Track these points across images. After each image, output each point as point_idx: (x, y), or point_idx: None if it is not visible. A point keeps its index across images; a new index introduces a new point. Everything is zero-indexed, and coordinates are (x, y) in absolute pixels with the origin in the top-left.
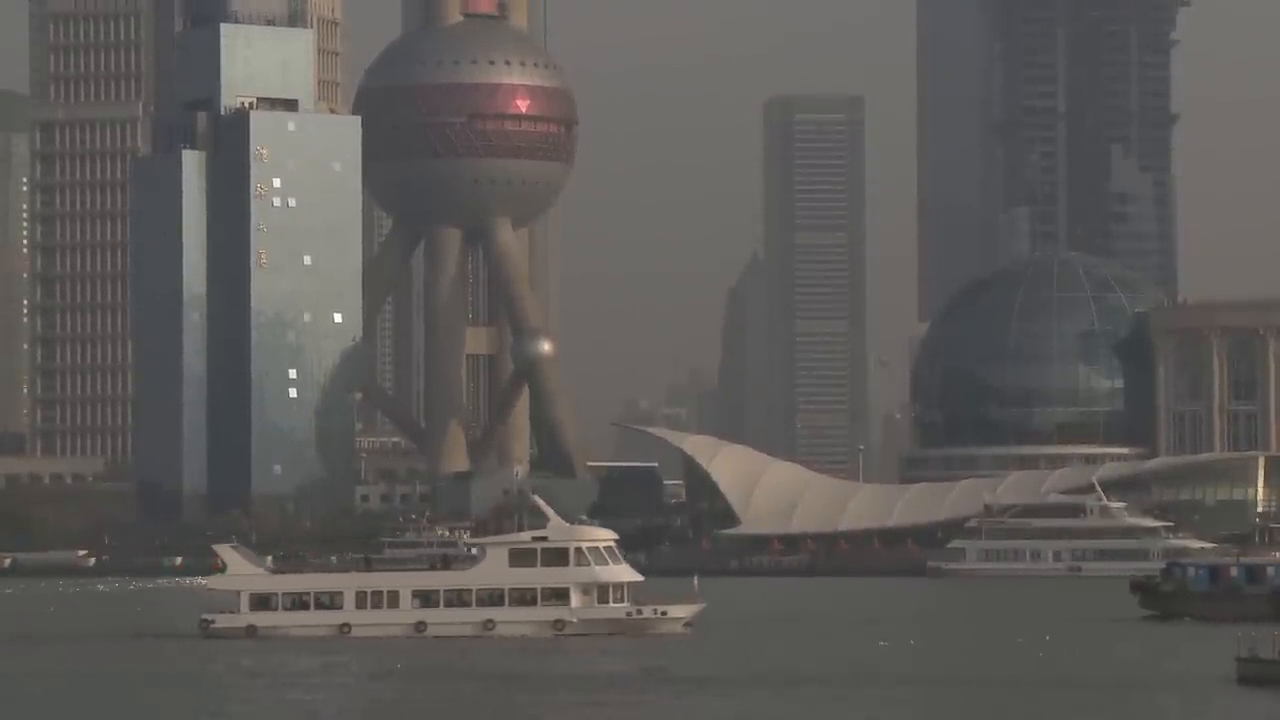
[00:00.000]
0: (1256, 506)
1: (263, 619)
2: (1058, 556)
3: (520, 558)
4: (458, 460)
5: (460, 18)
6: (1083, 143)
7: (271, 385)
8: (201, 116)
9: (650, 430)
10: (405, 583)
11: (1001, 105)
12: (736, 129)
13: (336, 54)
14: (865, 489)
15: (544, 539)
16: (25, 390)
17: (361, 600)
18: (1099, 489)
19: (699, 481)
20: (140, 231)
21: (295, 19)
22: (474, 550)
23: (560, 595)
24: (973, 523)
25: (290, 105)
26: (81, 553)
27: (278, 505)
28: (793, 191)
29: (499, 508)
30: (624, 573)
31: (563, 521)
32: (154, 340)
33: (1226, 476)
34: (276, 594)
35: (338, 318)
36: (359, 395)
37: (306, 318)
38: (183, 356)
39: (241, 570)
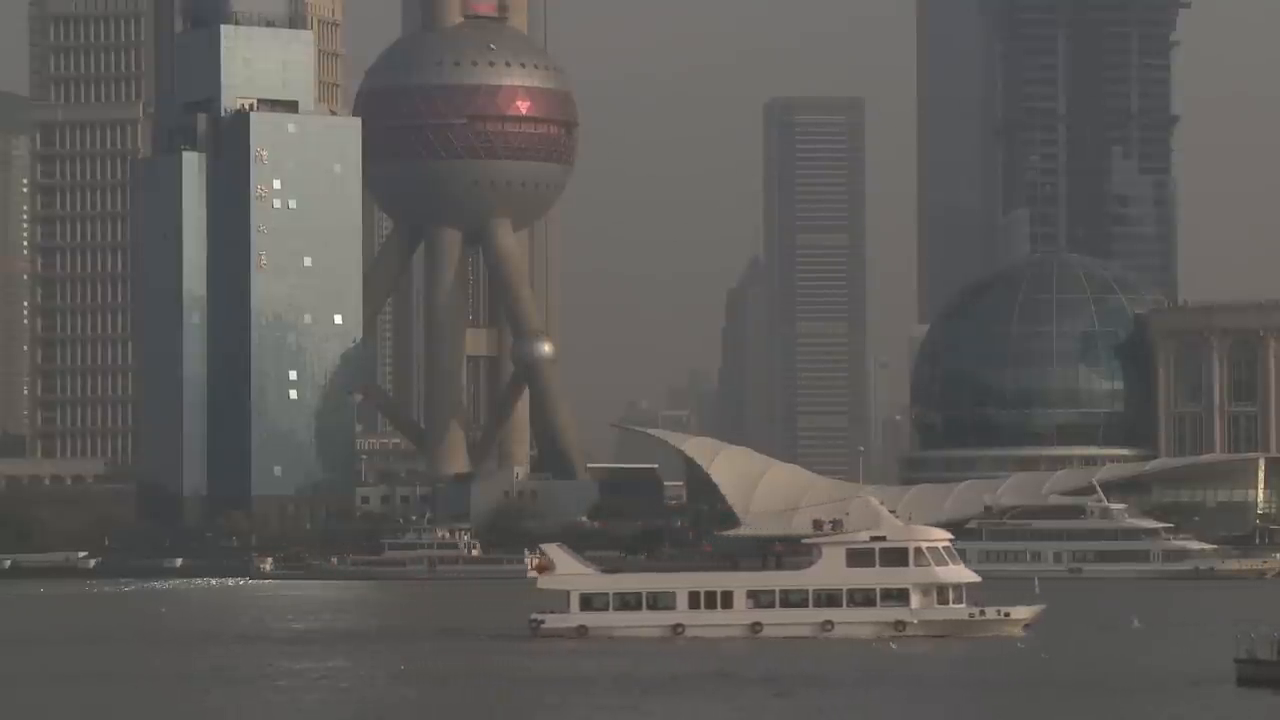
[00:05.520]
0: (1257, 508)
1: (593, 619)
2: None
3: (858, 558)
4: (458, 462)
5: (460, 19)
6: (1083, 144)
7: (272, 386)
8: (202, 118)
9: (650, 432)
10: (740, 582)
11: (1002, 107)
12: (737, 130)
13: (337, 55)
14: (865, 491)
15: (882, 539)
16: (26, 392)
17: (695, 600)
18: (1099, 490)
19: (699, 483)
20: (141, 233)
21: (295, 20)
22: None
23: (900, 596)
24: (973, 524)
25: (290, 107)
26: (82, 554)
27: (278, 507)
28: (793, 193)
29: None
30: (962, 573)
31: (897, 521)
32: (154, 342)
33: (1227, 478)
34: (607, 594)
35: (338, 319)
36: (359, 396)
37: (307, 319)
38: (183, 358)
39: (571, 570)
